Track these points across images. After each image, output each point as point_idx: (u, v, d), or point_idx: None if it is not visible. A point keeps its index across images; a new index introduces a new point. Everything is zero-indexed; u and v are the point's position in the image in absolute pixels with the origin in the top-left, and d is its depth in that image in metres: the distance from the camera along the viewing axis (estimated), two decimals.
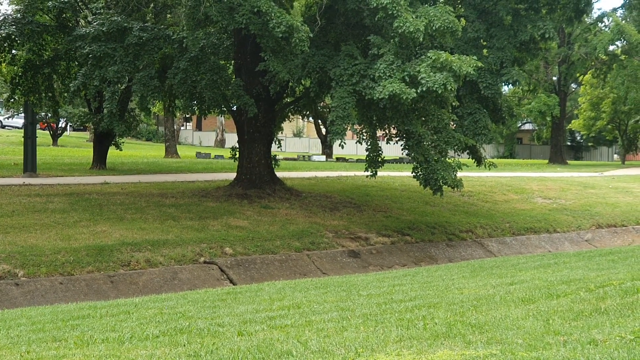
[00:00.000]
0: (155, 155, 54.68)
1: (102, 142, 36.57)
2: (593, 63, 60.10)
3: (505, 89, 59.63)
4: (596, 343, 6.70)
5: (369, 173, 25.01)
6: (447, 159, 24.42)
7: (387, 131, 25.77)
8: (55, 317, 11.38)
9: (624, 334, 6.80)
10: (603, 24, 58.39)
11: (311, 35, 22.22)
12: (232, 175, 30.00)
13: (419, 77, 21.29)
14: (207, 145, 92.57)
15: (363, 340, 7.66)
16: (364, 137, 24.89)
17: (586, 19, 53.25)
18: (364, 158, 25.71)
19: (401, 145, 24.94)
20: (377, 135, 25.70)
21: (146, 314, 11.07)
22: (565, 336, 7.11)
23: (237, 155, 29.01)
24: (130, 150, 55.30)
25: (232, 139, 71.69)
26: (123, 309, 11.89)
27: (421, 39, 21.63)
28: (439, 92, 21.10)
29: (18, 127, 76.71)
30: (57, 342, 8.93)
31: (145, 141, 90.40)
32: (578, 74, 66.13)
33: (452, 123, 25.70)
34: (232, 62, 29.59)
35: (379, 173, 26.32)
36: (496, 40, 25.43)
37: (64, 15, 29.95)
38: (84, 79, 26.59)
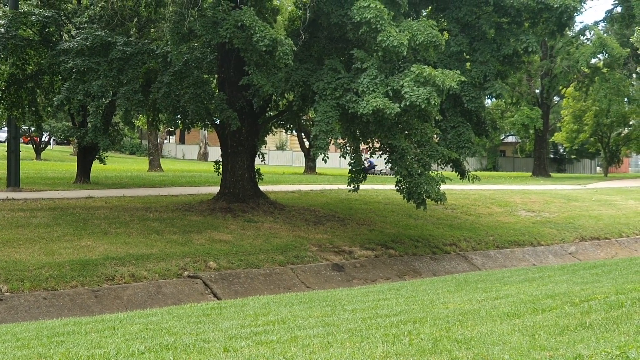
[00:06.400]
0: (138, 169, 54.55)
1: (86, 156, 36.47)
2: (575, 76, 60.29)
3: (488, 102, 59.92)
4: (582, 358, 6.71)
5: (351, 187, 25.05)
6: (430, 173, 24.45)
7: (371, 145, 25.81)
8: (40, 333, 11.33)
9: (609, 349, 6.82)
10: (585, 37, 58.64)
11: (295, 49, 22.26)
12: (216, 189, 29.98)
13: (403, 92, 21.31)
14: (191, 159, 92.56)
15: (349, 357, 7.65)
16: (347, 151, 24.91)
17: (568, 33, 53.54)
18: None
19: (384, 159, 24.96)
20: (361, 149, 25.73)
21: (131, 329, 11.03)
22: (551, 351, 7.12)
23: (221, 169, 28.99)
24: (114, 164, 55.18)
25: (215, 152, 71.69)
26: (108, 324, 11.85)
27: (405, 53, 21.68)
28: (423, 106, 21.12)
29: (0, 141, 76.44)
30: (42, 358, 8.88)
31: (128, 155, 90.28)
32: (561, 87, 66.36)
33: (435, 137, 25.75)
34: (216, 76, 29.60)
35: (363, 186, 26.33)
36: (479, 54, 25.50)
37: (48, 29, 29.86)
38: (67, 93, 26.54)
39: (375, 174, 56.97)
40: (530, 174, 68.21)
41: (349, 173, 24.92)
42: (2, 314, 16.58)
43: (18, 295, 17.42)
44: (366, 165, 30.98)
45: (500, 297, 12.42)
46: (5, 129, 40.63)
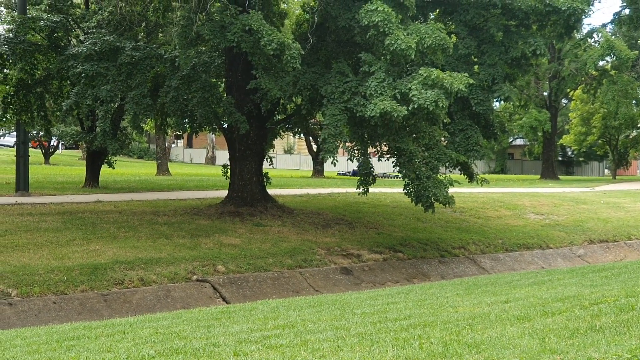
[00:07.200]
0: (147, 173, 54.60)
1: (95, 161, 36.52)
2: (583, 78, 60.23)
3: (497, 104, 59.86)
4: None
5: (360, 190, 25.03)
6: (438, 176, 24.41)
7: (379, 148, 25.78)
8: (50, 337, 11.34)
9: (620, 353, 6.81)
10: (593, 39, 58.51)
11: (302, 52, 22.26)
12: (224, 193, 29.99)
13: (410, 95, 21.30)
14: (198, 163, 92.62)
15: None
16: (356, 155, 24.89)
17: (576, 35, 53.39)
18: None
19: (392, 162, 24.94)
20: (369, 152, 25.71)
21: (141, 333, 11.04)
22: (561, 355, 7.11)
23: (229, 173, 29.01)
24: (122, 168, 55.20)
25: (222, 156, 71.70)
26: (118, 329, 11.86)
27: (412, 56, 21.66)
28: (430, 109, 21.10)
29: (9, 146, 76.59)
30: None
31: (136, 159, 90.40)
32: (568, 90, 66.29)
33: (443, 140, 25.72)
34: (224, 80, 29.63)
35: (371, 190, 26.32)
36: (487, 56, 25.47)
37: (56, 34, 29.90)
38: (76, 98, 26.62)
39: None
40: (539, 176, 68.17)
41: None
42: (11, 318, 16.61)
43: (28, 300, 17.45)
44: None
45: (509, 300, 12.40)
46: (14, 133, 40.67)
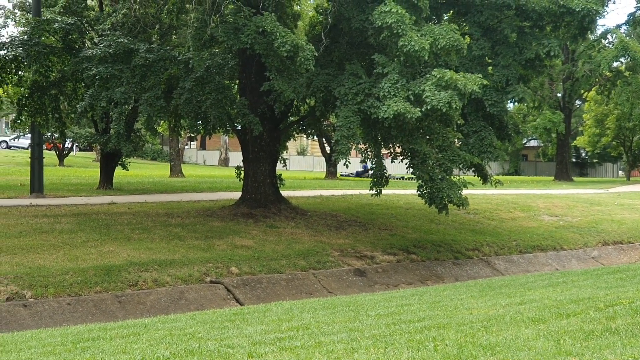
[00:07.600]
0: (160, 175, 54.71)
1: (109, 162, 36.64)
2: (597, 80, 60.00)
3: (510, 106, 59.75)
4: None
5: (373, 192, 25.01)
6: (452, 177, 24.37)
7: (392, 150, 25.76)
8: (65, 339, 11.36)
9: (636, 355, 6.79)
10: (607, 40, 58.31)
11: (316, 54, 22.27)
12: (237, 195, 30.02)
13: (424, 96, 21.27)
14: (211, 164, 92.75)
15: None
16: (369, 156, 24.89)
17: (590, 36, 53.25)
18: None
19: (406, 164, 24.93)
20: (382, 153, 25.70)
21: (156, 335, 11.06)
22: (577, 357, 7.10)
23: (242, 175, 29.02)
24: (135, 170, 55.34)
25: (235, 158, 71.82)
26: (133, 330, 11.88)
27: (426, 58, 21.62)
28: (444, 110, 21.07)
29: (24, 148, 76.87)
30: None
31: (150, 161, 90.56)
32: (582, 91, 66.06)
33: (457, 141, 25.69)
34: (237, 81, 29.65)
35: (384, 191, 26.31)
36: (501, 57, 25.40)
37: (70, 36, 29.99)
38: (91, 100, 26.66)
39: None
40: (553, 178, 67.94)
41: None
42: (26, 319, 16.66)
43: (42, 301, 17.49)
44: (362, 169, 30.77)
45: (524, 302, 12.37)
46: (29, 135, 40.84)
